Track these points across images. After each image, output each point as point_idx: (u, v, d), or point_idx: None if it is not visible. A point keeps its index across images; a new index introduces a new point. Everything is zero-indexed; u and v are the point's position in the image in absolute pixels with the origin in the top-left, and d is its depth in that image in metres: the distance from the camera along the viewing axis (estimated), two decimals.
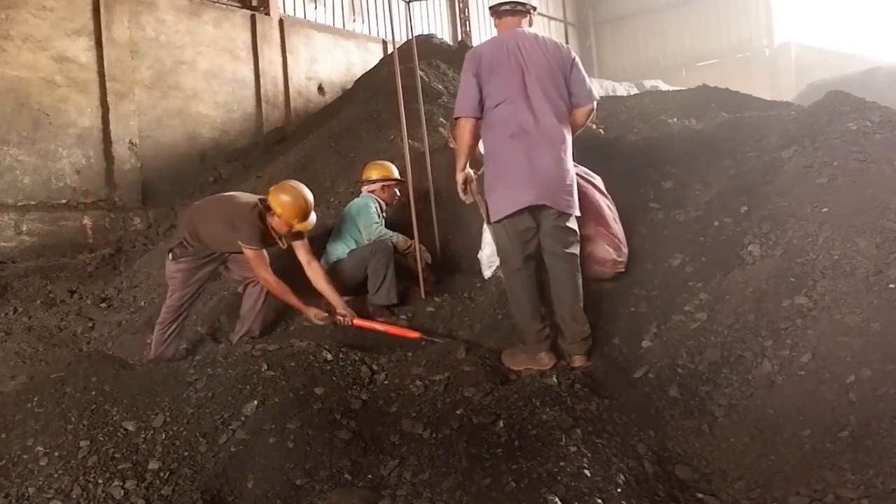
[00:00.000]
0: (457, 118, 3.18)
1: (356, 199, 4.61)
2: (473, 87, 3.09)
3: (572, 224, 3.18)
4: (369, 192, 4.59)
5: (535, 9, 3.28)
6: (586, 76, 3.24)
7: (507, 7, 3.20)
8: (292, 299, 3.84)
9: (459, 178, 3.31)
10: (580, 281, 3.20)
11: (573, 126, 3.24)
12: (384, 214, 4.56)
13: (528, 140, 3.04)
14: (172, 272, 3.90)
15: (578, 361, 3.12)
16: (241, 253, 3.81)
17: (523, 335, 3.15)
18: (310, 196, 3.88)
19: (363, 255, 4.25)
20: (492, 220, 3.14)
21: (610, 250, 3.63)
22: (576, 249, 3.19)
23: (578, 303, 3.16)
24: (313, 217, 3.91)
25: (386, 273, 4.15)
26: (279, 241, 3.93)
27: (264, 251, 3.80)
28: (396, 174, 4.64)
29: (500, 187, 3.08)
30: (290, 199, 3.78)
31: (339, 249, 4.39)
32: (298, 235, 3.95)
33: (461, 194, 3.40)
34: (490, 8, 3.28)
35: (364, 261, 4.23)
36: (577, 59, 3.22)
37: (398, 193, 4.71)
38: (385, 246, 4.23)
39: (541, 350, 3.09)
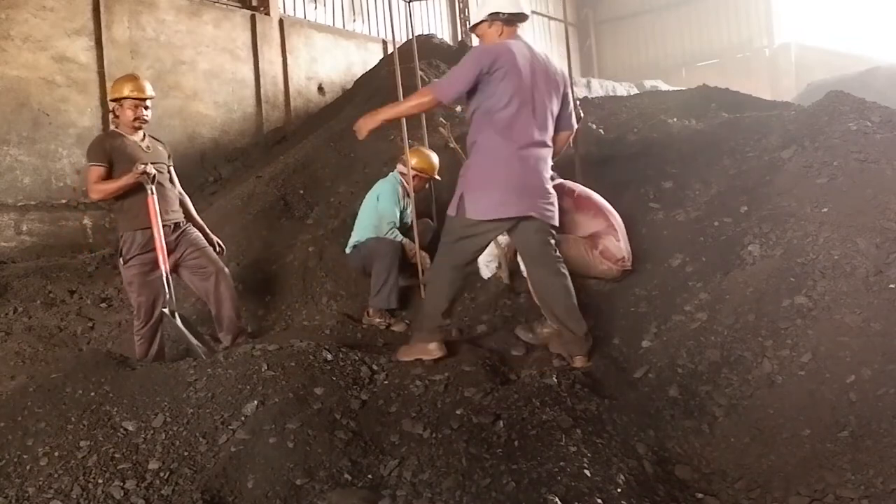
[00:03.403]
0: (431, 92, 3.01)
1: (383, 181, 4.49)
2: (471, 80, 2.96)
3: (552, 232, 3.19)
4: (401, 173, 4.46)
5: (526, 17, 3.25)
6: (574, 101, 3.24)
7: (517, 16, 3.12)
8: (114, 185, 3.60)
9: (372, 123, 3.10)
10: (570, 282, 3.17)
11: (554, 149, 3.22)
12: (407, 200, 4.43)
13: (527, 151, 3.02)
14: (128, 278, 3.74)
15: (579, 362, 3.11)
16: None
17: (423, 323, 3.10)
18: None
19: (367, 250, 4.22)
20: (467, 215, 3.01)
21: (621, 245, 3.68)
22: (558, 253, 3.20)
23: (572, 300, 3.14)
24: (149, 86, 3.82)
25: (388, 277, 4.10)
26: (140, 146, 3.75)
27: (99, 168, 3.61)
28: (434, 171, 4.51)
29: (488, 189, 3.00)
30: (119, 79, 3.81)
31: (359, 234, 4.36)
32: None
33: (361, 131, 3.16)
34: (494, 13, 3.11)
35: (367, 257, 4.21)
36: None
37: (427, 186, 4.62)
38: (392, 248, 4.16)
39: (433, 340, 3.03)
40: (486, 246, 3.09)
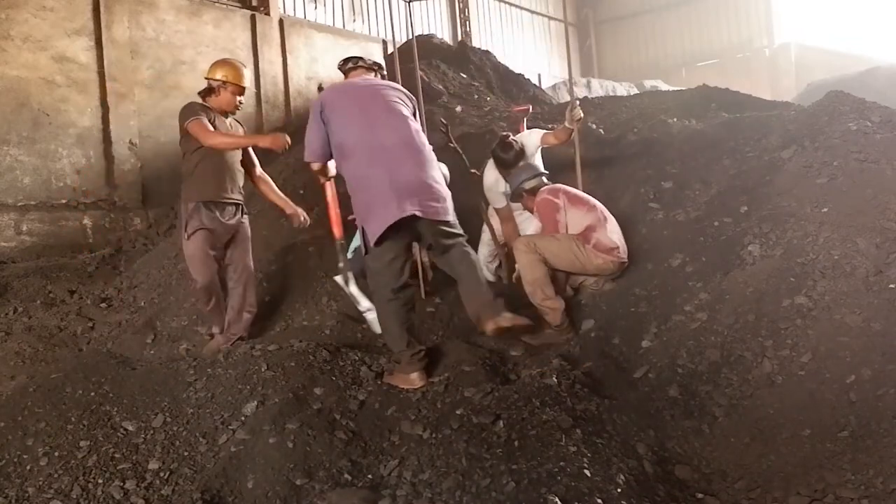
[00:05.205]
0: (309, 159, 3.30)
1: None
2: (319, 130, 3.20)
3: (454, 228, 3.14)
4: None
5: (380, 66, 3.56)
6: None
7: (351, 65, 3.52)
8: (238, 139, 3.90)
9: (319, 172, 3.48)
10: (475, 260, 3.16)
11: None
12: None
13: (386, 157, 3.02)
14: (191, 251, 3.83)
15: (491, 325, 2.94)
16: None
17: (397, 357, 3.10)
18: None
19: (360, 252, 4.25)
20: (372, 244, 3.04)
21: (613, 237, 3.69)
22: (464, 241, 3.17)
23: (481, 286, 3.07)
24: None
25: None
26: (225, 123, 3.92)
27: (203, 119, 3.72)
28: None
29: (371, 211, 3.02)
30: (230, 62, 3.99)
31: (356, 239, 4.40)
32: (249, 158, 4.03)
33: (321, 177, 3.52)
34: (339, 67, 3.61)
35: (361, 259, 4.22)
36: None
37: None
38: None
39: (413, 370, 3.02)
40: (403, 266, 3.09)
